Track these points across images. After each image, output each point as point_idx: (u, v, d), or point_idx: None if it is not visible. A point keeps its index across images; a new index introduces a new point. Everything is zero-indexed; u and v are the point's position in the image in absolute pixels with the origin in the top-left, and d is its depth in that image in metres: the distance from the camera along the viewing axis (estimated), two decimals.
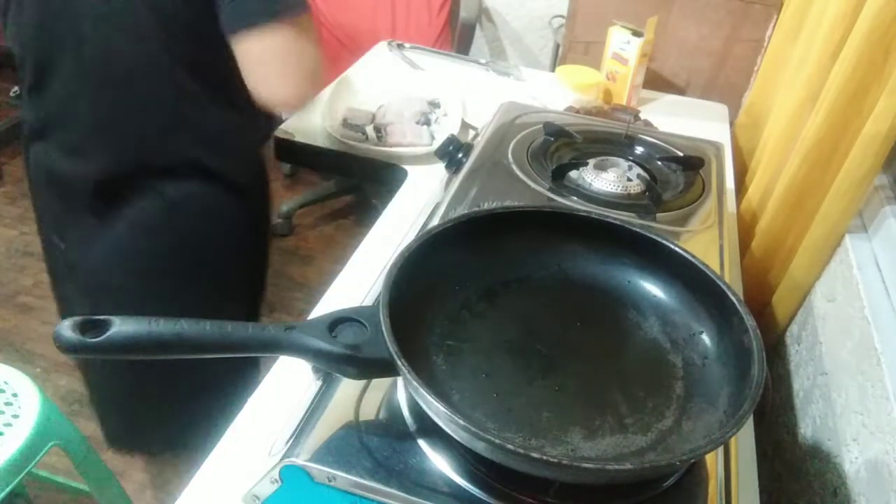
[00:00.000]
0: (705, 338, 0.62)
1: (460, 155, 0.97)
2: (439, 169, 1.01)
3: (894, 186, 0.94)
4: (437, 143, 1.03)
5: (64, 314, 1.19)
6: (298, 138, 1.25)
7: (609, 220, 0.68)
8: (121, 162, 1.01)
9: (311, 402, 0.58)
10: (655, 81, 1.58)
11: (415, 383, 0.48)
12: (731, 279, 0.74)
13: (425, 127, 1.24)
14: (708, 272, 0.62)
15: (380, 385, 0.59)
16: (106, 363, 1.16)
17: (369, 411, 0.57)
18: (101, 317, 0.49)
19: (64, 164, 1.03)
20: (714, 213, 0.88)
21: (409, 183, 1.15)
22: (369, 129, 1.22)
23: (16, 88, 2.79)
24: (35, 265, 2.16)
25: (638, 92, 1.46)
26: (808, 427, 0.86)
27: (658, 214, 0.86)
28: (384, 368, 0.53)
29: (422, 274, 0.60)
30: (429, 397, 0.47)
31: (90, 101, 0.98)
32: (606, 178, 0.90)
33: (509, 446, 0.45)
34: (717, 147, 1.04)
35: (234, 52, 0.92)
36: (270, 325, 0.53)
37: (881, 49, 0.82)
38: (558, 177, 0.90)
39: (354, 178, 2.34)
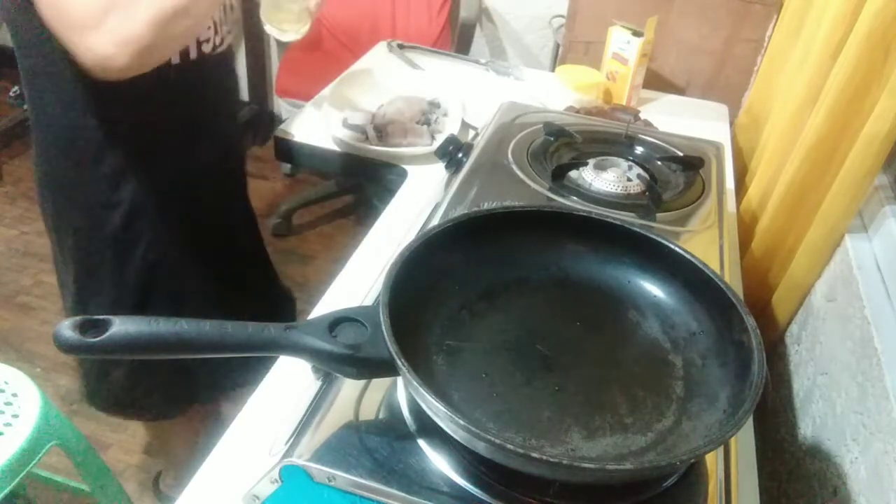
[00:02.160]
0: (705, 338, 0.62)
1: (460, 155, 0.97)
2: (439, 169, 1.01)
3: (894, 186, 0.94)
4: (437, 143, 1.03)
5: None
6: (298, 138, 1.25)
7: (609, 220, 0.68)
8: None
9: (311, 402, 0.58)
10: (655, 81, 1.58)
11: (415, 383, 0.48)
12: (731, 279, 0.74)
13: (425, 127, 1.24)
14: (708, 272, 0.62)
15: (380, 385, 0.59)
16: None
17: (369, 411, 0.57)
18: (101, 317, 0.49)
19: None
20: (714, 213, 0.88)
21: (409, 183, 1.15)
22: (369, 129, 1.22)
23: (16, 88, 2.79)
24: (35, 265, 2.16)
25: (638, 92, 1.46)
26: (808, 427, 0.86)
27: (658, 214, 0.86)
28: (384, 368, 0.53)
29: (422, 274, 0.60)
30: (429, 397, 0.47)
31: None
32: (606, 178, 0.90)
33: (509, 446, 0.45)
34: (717, 147, 1.04)
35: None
36: (270, 325, 0.53)
37: (881, 49, 0.82)
38: (558, 177, 0.90)
39: (354, 178, 2.34)
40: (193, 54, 0.94)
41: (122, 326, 0.49)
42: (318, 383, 0.60)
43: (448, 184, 0.91)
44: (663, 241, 0.65)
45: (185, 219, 1.09)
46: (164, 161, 1.02)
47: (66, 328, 0.48)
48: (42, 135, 0.99)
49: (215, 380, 1.26)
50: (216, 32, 0.97)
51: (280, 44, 2.36)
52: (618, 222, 0.68)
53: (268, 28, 1.10)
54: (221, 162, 1.13)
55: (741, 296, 0.91)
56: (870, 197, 0.92)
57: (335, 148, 1.22)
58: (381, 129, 1.21)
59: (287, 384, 0.75)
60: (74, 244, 1.06)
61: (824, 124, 0.90)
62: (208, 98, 1.04)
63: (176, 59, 0.91)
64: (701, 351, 0.61)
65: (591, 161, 0.93)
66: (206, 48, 0.96)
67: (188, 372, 1.21)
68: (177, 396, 1.29)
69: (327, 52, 2.28)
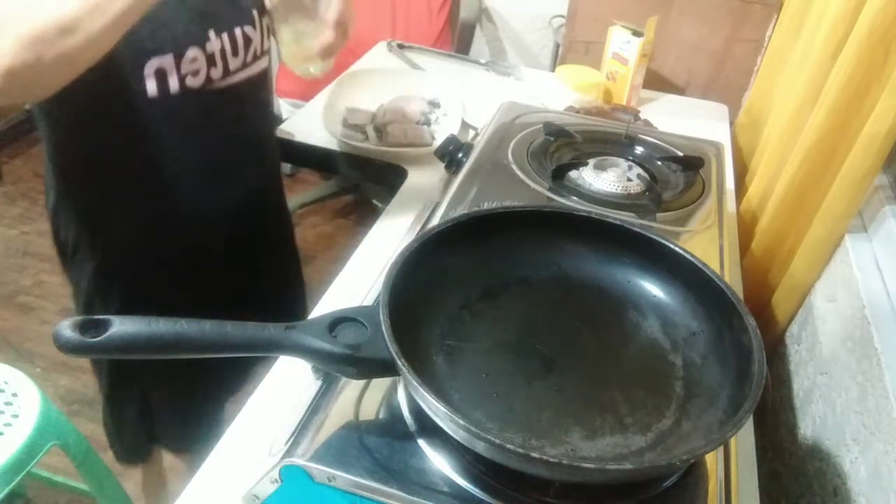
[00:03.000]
0: (705, 338, 0.62)
1: (460, 155, 0.97)
2: (439, 169, 1.01)
3: (894, 186, 0.94)
4: (437, 143, 1.03)
5: None
6: (298, 138, 1.25)
7: (609, 220, 0.68)
8: None
9: (311, 402, 0.58)
10: (655, 81, 1.58)
11: (415, 383, 0.48)
12: (731, 279, 0.74)
13: (425, 127, 1.24)
14: (708, 272, 0.62)
15: (380, 385, 0.59)
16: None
17: (369, 411, 0.57)
18: (101, 317, 0.49)
19: None
20: (714, 213, 0.88)
21: (409, 183, 1.15)
22: (369, 129, 1.22)
23: None
24: (35, 265, 2.16)
25: (638, 92, 1.46)
26: (808, 427, 0.86)
27: (658, 214, 0.86)
28: (384, 368, 0.53)
29: (422, 274, 0.60)
30: (429, 397, 0.47)
31: None
32: (606, 178, 0.90)
33: (509, 446, 0.45)
34: (717, 147, 1.04)
35: None
36: (270, 324, 0.53)
37: (881, 49, 0.82)
38: (558, 177, 0.90)
39: (354, 178, 2.34)
40: (174, 88, 0.80)
41: (121, 326, 0.49)
42: (318, 383, 0.60)
43: (448, 184, 0.91)
44: (663, 241, 0.65)
45: (175, 261, 0.95)
46: (145, 196, 0.89)
47: (66, 328, 0.48)
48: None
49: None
50: (213, 64, 0.83)
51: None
52: (618, 222, 0.68)
53: (294, 69, 0.97)
54: (233, 201, 0.96)
55: (741, 296, 0.91)
56: (870, 197, 0.92)
57: (335, 148, 1.22)
58: (381, 129, 1.21)
59: (287, 384, 0.75)
60: (70, 260, 0.99)
61: (824, 124, 0.90)
62: (203, 134, 0.89)
63: (153, 92, 0.79)
64: (701, 351, 0.61)
65: (591, 161, 0.93)
66: (194, 82, 0.82)
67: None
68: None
69: None
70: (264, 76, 0.95)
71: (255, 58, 0.90)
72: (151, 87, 0.79)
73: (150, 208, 0.90)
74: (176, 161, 0.88)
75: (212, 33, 0.82)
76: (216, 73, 0.84)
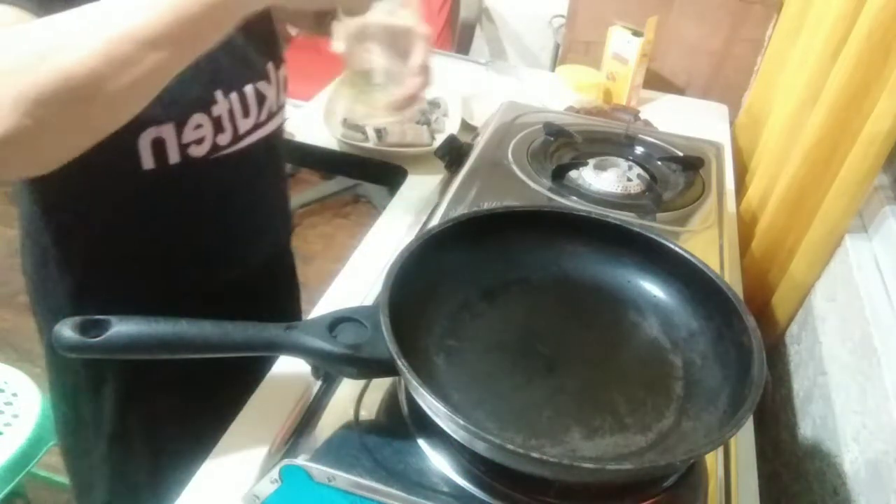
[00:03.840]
0: (705, 338, 0.62)
1: (460, 155, 0.97)
2: (439, 169, 1.01)
3: (894, 186, 0.94)
4: (437, 143, 1.03)
5: None
6: (298, 138, 1.25)
7: (609, 220, 0.68)
8: None
9: (311, 402, 0.58)
10: (655, 81, 1.58)
11: (415, 383, 0.48)
12: (731, 279, 0.74)
13: (425, 127, 1.24)
14: (708, 272, 0.62)
15: (380, 385, 0.59)
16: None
17: (369, 411, 0.58)
18: (101, 317, 0.49)
19: None
20: (714, 213, 0.88)
21: (409, 183, 1.14)
22: (369, 129, 1.22)
23: None
24: None
25: (638, 92, 1.46)
26: (808, 427, 0.86)
27: (658, 214, 0.86)
28: (384, 368, 0.53)
29: (422, 274, 0.60)
30: (429, 397, 0.47)
31: None
32: (606, 178, 0.90)
33: (509, 446, 0.45)
34: (717, 147, 1.05)
35: None
36: (270, 324, 0.53)
37: (881, 49, 0.82)
38: (558, 177, 0.90)
39: (354, 178, 2.34)
40: (174, 159, 0.67)
41: (121, 326, 0.49)
42: (318, 383, 0.60)
43: (448, 184, 0.91)
44: (663, 241, 0.65)
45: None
46: (133, 280, 0.77)
47: (67, 328, 0.48)
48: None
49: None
50: (220, 130, 0.70)
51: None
52: (618, 222, 0.68)
53: (361, 119, 0.86)
54: (238, 273, 0.84)
55: (741, 296, 0.91)
56: (870, 197, 0.92)
57: (335, 148, 1.22)
58: (381, 129, 1.21)
59: (287, 384, 0.74)
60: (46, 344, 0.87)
61: (824, 124, 0.90)
62: (208, 206, 0.77)
63: (150, 164, 0.66)
64: (701, 351, 0.61)
65: (591, 161, 0.93)
66: (198, 150, 0.69)
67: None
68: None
69: (327, 53, 2.28)
70: (280, 131, 0.84)
71: (270, 116, 0.78)
72: (147, 159, 0.66)
73: (144, 281, 0.78)
74: (174, 235, 0.76)
75: (219, 94, 0.70)
76: (224, 138, 0.72)
